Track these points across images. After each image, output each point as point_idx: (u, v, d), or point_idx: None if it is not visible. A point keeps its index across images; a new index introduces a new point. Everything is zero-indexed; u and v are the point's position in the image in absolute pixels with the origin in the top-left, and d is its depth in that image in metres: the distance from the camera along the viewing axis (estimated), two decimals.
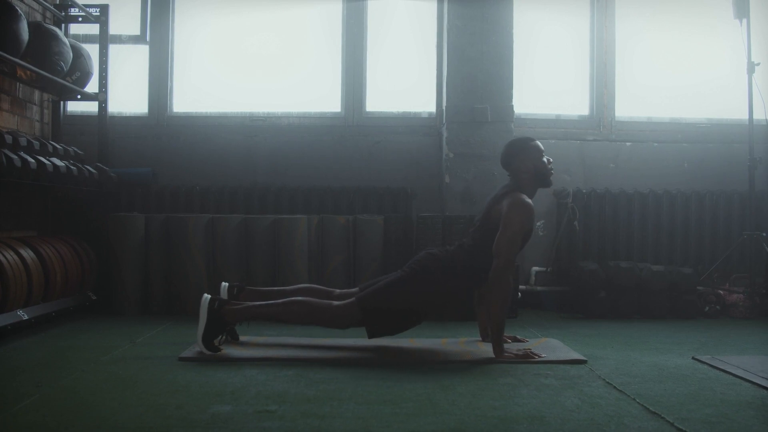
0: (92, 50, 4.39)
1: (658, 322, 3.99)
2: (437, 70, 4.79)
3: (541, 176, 3.08)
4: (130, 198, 4.45)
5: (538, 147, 3.09)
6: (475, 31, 4.47)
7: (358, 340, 3.17)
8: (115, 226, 4.05)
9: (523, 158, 3.07)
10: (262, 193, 4.50)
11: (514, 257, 2.93)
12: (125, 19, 4.75)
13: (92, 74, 4.37)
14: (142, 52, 4.79)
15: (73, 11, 4.45)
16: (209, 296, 2.93)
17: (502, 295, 2.87)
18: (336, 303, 3.01)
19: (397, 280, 3.02)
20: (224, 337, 2.98)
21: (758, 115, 4.34)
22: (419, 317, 3.05)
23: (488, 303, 2.94)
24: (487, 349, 2.95)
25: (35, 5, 4.22)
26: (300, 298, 3.03)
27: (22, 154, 3.31)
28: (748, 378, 2.52)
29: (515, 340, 3.22)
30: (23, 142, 3.44)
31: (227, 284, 3.23)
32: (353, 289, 3.22)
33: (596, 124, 4.88)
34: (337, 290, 3.23)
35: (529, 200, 3.00)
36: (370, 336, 3.01)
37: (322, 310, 2.98)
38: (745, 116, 4.37)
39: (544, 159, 3.09)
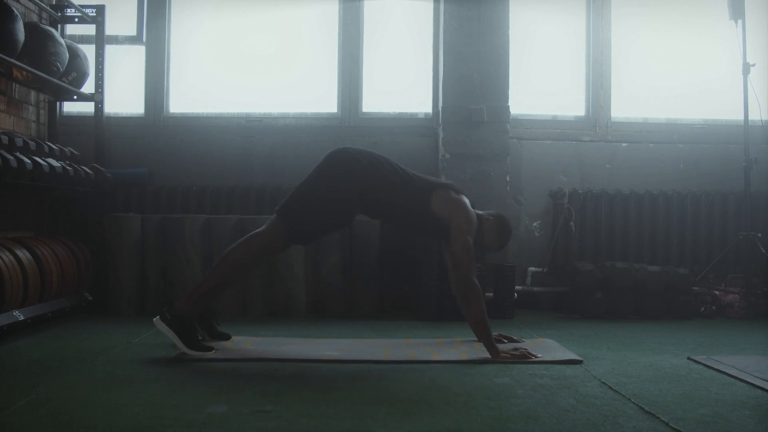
0: (88, 51, 4.38)
1: (654, 322, 4.00)
2: (433, 70, 4.79)
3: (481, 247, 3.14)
4: (126, 198, 4.44)
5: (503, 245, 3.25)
6: (472, 32, 4.47)
7: (354, 340, 3.17)
8: (112, 227, 4.05)
9: (489, 234, 3.13)
10: (259, 194, 4.49)
11: (473, 265, 2.94)
12: (121, 19, 4.74)
13: (88, 75, 4.36)
14: (139, 52, 4.78)
15: (70, 12, 4.44)
16: (158, 316, 2.84)
17: (476, 301, 2.88)
18: (259, 230, 2.96)
19: (307, 177, 2.99)
20: (201, 336, 2.94)
21: (753, 115, 4.35)
22: (339, 210, 2.99)
23: (467, 314, 2.94)
24: (483, 349, 2.94)
25: (31, 6, 4.21)
26: (224, 252, 2.95)
27: (18, 154, 3.30)
28: (743, 378, 2.52)
29: (511, 340, 3.22)
30: (19, 142, 3.44)
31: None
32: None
33: (592, 124, 4.88)
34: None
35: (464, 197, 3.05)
36: (303, 243, 2.92)
37: (250, 243, 2.93)
38: (741, 117, 4.38)
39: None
